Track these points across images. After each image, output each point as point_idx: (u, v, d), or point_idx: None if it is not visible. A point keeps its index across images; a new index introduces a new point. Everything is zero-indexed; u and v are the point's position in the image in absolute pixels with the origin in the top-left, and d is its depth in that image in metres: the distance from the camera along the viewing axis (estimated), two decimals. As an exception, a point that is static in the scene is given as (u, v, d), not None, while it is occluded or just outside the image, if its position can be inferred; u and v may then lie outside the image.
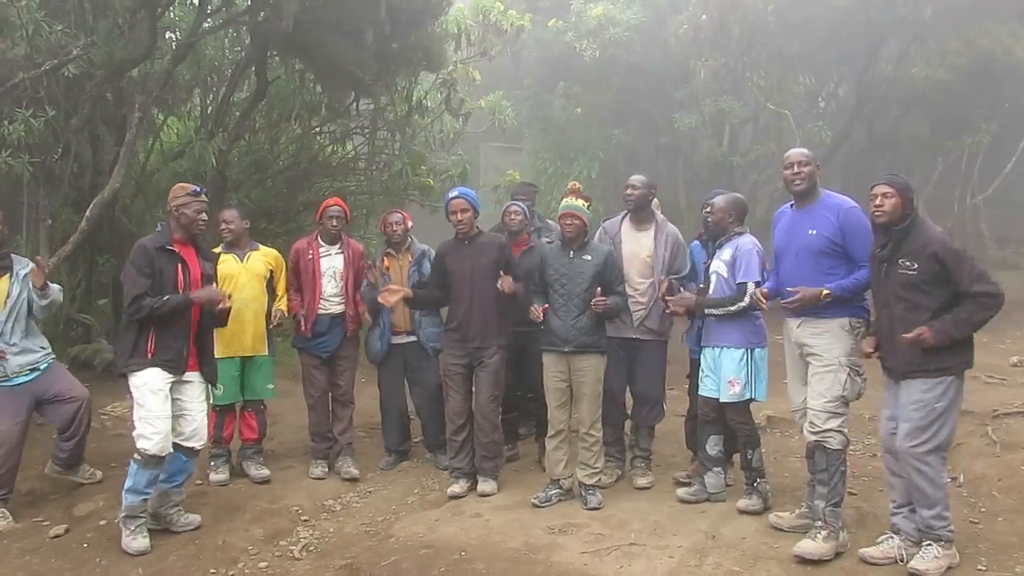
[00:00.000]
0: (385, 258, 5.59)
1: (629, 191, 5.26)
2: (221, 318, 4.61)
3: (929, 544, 3.83)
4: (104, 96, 6.54)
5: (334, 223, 5.46)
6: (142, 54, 6.02)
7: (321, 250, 5.48)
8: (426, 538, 4.36)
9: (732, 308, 4.56)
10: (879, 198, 3.86)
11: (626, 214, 5.37)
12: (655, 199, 5.91)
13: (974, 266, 3.78)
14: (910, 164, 12.72)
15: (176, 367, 4.34)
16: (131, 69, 6.25)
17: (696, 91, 10.94)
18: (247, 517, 4.68)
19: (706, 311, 4.67)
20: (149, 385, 4.26)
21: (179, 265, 4.38)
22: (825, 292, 4.11)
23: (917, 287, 3.79)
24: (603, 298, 4.74)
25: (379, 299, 5.22)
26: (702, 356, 4.80)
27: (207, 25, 6.76)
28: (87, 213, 6.07)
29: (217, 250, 5.39)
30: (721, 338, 4.65)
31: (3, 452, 4.64)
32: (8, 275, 4.80)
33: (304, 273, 5.43)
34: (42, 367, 4.87)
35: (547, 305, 4.85)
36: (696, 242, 5.35)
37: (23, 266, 4.89)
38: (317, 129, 8.94)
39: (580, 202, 4.90)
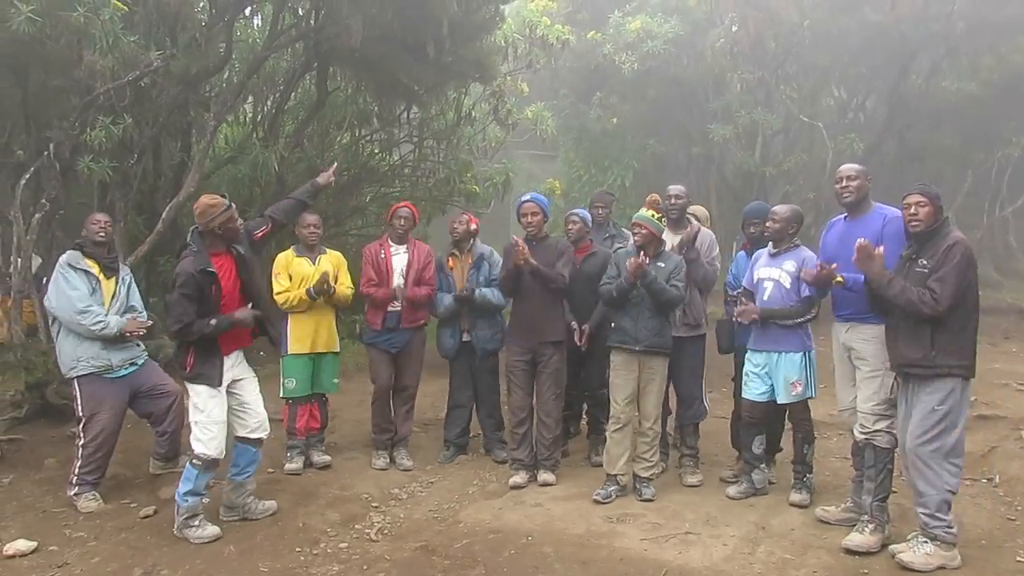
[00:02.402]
0: (450, 258, 5.91)
1: (673, 201, 5.52)
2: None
3: (924, 541, 4.02)
4: (178, 106, 6.88)
5: (402, 223, 5.75)
6: (217, 66, 6.36)
7: (392, 250, 5.77)
8: (493, 524, 4.65)
9: (799, 320, 4.81)
10: (914, 207, 4.07)
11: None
12: (702, 208, 6.20)
13: (956, 275, 3.91)
14: (940, 176, 12.90)
15: (212, 380, 4.44)
16: (206, 80, 6.59)
17: (730, 103, 11.18)
18: (321, 503, 5.00)
19: (772, 321, 4.86)
20: (209, 391, 4.47)
21: (214, 284, 4.41)
22: (838, 279, 4.38)
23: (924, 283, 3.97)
24: (640, 260, 4.92)
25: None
26: (747, 360, 5.05)
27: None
28: (163, 215, 6.42)
29: (288, 253, 5.71)
30: (779, 343, 4.88)
31: (101, 439, 4.96)
32: (115, 277, 5.14)
33: (379, 272, 5.71)
34: (139, 362, 5.19)
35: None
36: (742, 252, 5.60)
37: (126, 272, 5.28)
38: (367, 137, 9.28)
39: (650, 213, 5.17)
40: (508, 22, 8.40)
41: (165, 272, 7.73)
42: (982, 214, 12.93)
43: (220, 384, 4.49)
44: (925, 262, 4.01)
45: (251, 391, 4.72)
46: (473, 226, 5.91)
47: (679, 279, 5.11)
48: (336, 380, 5.87)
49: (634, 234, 5.14)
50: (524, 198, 5.52)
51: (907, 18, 10.67)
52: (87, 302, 4.92)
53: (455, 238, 5.91)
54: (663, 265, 5.10)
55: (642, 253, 5.02)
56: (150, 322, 5.16)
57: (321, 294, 5.47)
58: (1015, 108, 11.49)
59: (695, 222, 5.66)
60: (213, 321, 4.36)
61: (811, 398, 4.94)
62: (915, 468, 4.03)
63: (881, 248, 4.11)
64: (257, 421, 4.71)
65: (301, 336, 5.55)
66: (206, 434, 4.42)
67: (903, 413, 4.20)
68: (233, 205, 4.55)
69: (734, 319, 5.11)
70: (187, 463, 4.52)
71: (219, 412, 4.48)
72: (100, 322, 4.90)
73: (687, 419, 5.57)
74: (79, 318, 4.89)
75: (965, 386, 4.06)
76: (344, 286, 5.77)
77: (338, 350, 5.80)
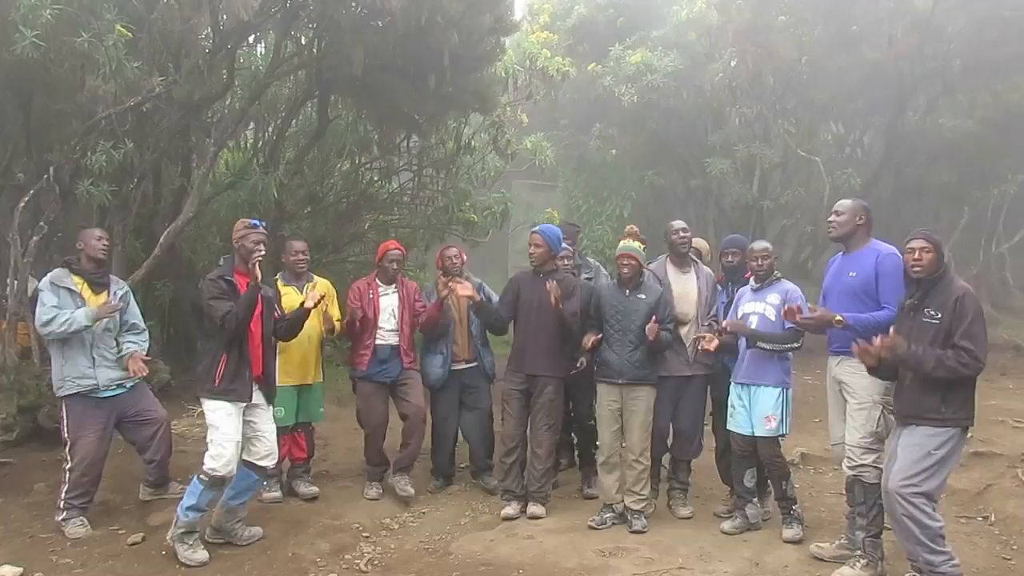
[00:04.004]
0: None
1: (682, 235, 5.51)
2: (294, 330, 4.97)
3: None
4: (179, 131, 6.92)
5: (395, 266, 5.77)
6: (219, 92, 6.41)
7: (380, 289, 5.77)
8: (484, 556, 4.61)
9: (784, 347, 4.83)
10: (918, 252, 4.03)
11: (666, 256, 5.64)
12: (703, 241, 6.23)
13: (977, 328, 3.90)
14: (937, 212, 12.98)
15: (241, 396, 4.55)
16: (208, 106, 6.64)
17: (729, 136, 11.25)
18: (312, 532, 4.95)
19: (759, 344, 4.88)
20: (225, 408, 4.49)
21: (235, 295, 4.55)
22: (838, 318, 4.37)
23: (938, 336, 3.93)
24: (656, 325, 4.99)
25: (447, 286, 5.40)
26: (731, 393, 5.05)
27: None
28: (161, 240, 6.43)
29: (276, 281, 5.67)
30: (757, 376, 4.90)
31: (86, 463, 4.92)
32: (106, 291, 5.10)
33: (365, 311, 5.67)
34: (128, 385, 5.13)
35: (599, 335, 5.11)
36: (716, 285, 5.62)
37: (119, 286, 5.21)
38: (367, 165, 9.33)
39: (637, 244, 5.20)
40: (509, 54, 8.47)
41: (162, 296, 7.74)
42: (978, 250, 12.97)
43: (249, 400, 4.55)
44: (933, 312, 3.96)
45: (265, 419, 4.75)
46: (465, 257, 5.95)
47: (670, 318, 5.13)
48: (322, 409, 5.83)
49: (623, 266, 5.15)
50: (533, 229, 5.54)
51: (904, 56, 10.78)
52: (51, 314, 4.85)
53: (452, 271, 5.84)
54: (644, 297, 5.13)
55: (654, 317, 5.01)
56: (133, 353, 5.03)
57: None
58: (1011, 146, 11.56)
59: (693, 256, 5.68)
60: (238, 302, 4.48)
61: (782, 436, 4.93)
62: (903, 512, 3.94)
63: (879, 339, 3.97)
64: (267, 449, 4.72)
65: (288, 368, 5.48)
66: (218, 451, 4.44)
67: (892, 452, 4.13)
68: (258, 227, 4.68)
69: (723, 327, 5.09)
70: (194, 477, 4.52)
71: (234, 431, 4.50)
72: (65, 320, 4.83)
73: (683, 455, 5.56)
74: (49, 328, 4.85)
75: (963, 435, 4.03)
76: (335, 320, 5.76)
77: (321, 379, 5.77)
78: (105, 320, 5.04)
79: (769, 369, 4.90)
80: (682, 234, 5.51)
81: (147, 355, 5.17)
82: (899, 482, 3.95)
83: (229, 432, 4.48)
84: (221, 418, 4.48)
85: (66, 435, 4.98)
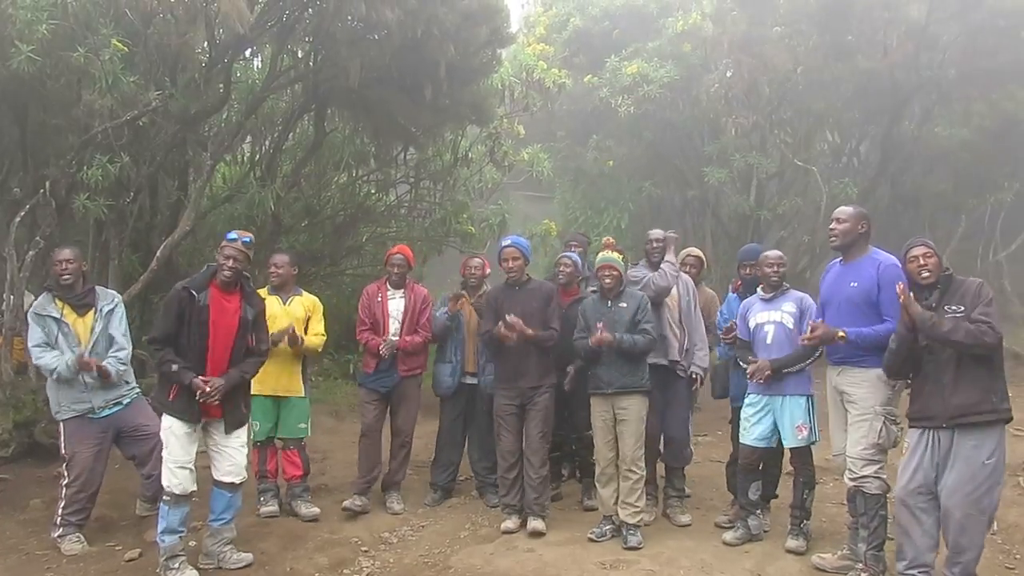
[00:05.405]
0: (461, 300, 5.89)
1: (656, 244, 5.60)
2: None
3: None
4: (175, 144, 6.93)
5: (396, 270, 5.75)
6: (216, 106, 6.41)
7: (389, 294, 5.76)
8: (484, 570, 4.58)
9: (805, 364, 4.79)
10: (922, 259, 4.06)
11: (644, 263, 5.68)
12: (697, 250, 6.25)
13: (991, 306, 3.94)
14: (934, 220, 12.99)
15: (190, 417, 4.44)
16: (205, 120, 6.64)
17: (725, 146, 11.25)
18: (310, 546, 4.92)
19: (784, 371, 4.80)
20: (173, 429, 4.43)
21: (201, 309, 4.42)
22: (840, 334, 4.34)
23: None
24: (606, 335, 4.93)
25: (448, 304, 5.63)
26: (746, 405, 5.00)
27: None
28: (158, 254, 6.42)
29: (262, 292, 5.65)
30: (784, 387, 4.84)
31: (83, 480, 4.88)
32: (93, 311, 5.02)
33: (373, 315, 5.70)
34: (125, 402, 5.08)
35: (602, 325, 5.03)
36: (733, 294, 5.61)
37: (108, 301, 5.11)
38: (364, 177, 9.34)
39: (615, 255, 5.21)
40: (505, 66, 8.50)
41: (160, 310, 7.70)
42: (976, 258, 12.97)
43: (197, 422, 4.46)
44: (955, 307, 3.95)
45: (225, 433, 4.63)
46: (488, 270, 5.93)
47: (647, 320, 5.11)
48: (303, 425, 5.63)
49: (604, 278, 5.14)
50: (504, 243, 5.55)
51: (899, 65, 10.81)
52: (38, 352, 4.90)
53: (470, 282, 5.91)
54: (625, 305, 5.12)
55: (602, 327, 4.98)
56: (103, 364, 4.89)
57: (278, 343, 5.33)
58: (1007, 153, 11.60)
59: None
60: (175, 367, 4.34)
61: (815, 443, 4.90)
62: (959, 525, 3.89)
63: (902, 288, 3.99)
64: (230, 465, 4.61)
65: (261, 377, 5.30)
66: (171, 470, 4.41)
67: (918, 463, 4.06)
68: (234, 241, 4.58)
69: (748, 378, 4.98)
70: (161, 501, 4.48)
71: (180, 453, 4.42)
72: (52, 370, 4.85)
73: (675, 461, 5.57)
74: (36, 364, 4.93)
75: (1005, 432, 3.98)
76: (314, 334, 5.67)
77: (303, 395, 5.64)
78: (92, 344, 4.97)
79: (795, 379, 4.85)
80: (655, 243, 5.59)
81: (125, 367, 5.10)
82: (963, 500, 3.87)
83: (177, 455, 4.41)
84: (170, 439, 4.43)
85: (64, 451, 4.95)
